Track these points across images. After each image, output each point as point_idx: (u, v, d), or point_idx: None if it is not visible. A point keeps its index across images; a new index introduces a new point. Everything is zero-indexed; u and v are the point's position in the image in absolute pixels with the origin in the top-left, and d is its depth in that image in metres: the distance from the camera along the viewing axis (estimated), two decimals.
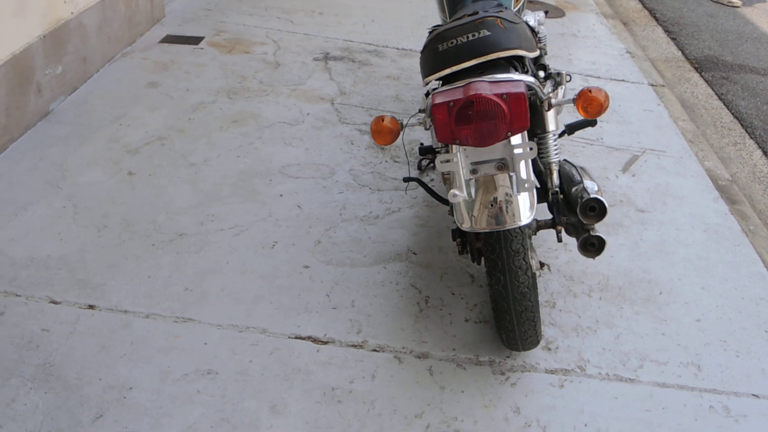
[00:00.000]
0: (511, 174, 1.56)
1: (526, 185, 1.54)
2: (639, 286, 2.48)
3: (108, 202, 2.61)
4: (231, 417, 1.84)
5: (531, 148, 1.52)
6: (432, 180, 2.93)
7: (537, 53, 1.90)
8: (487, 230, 1.62)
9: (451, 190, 1.58)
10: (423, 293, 2.32)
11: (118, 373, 1.94)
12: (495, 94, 1.48)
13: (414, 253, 2.49)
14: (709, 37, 5.28)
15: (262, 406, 1.87)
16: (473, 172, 1.60)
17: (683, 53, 4.97)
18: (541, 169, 2.05)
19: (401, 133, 1.83)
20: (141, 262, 2.34)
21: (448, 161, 1.57)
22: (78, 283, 2.24)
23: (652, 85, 4.22)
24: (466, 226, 1.64)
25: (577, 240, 1.95)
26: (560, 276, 2.48)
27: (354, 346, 2.09)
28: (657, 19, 5.60)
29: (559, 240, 2.02)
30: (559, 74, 2.01)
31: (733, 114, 4.12)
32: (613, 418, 1.95)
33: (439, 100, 1.54)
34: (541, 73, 2.05)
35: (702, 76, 4.60)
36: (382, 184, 2.89)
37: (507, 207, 1.60)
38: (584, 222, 1.87)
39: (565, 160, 2.13)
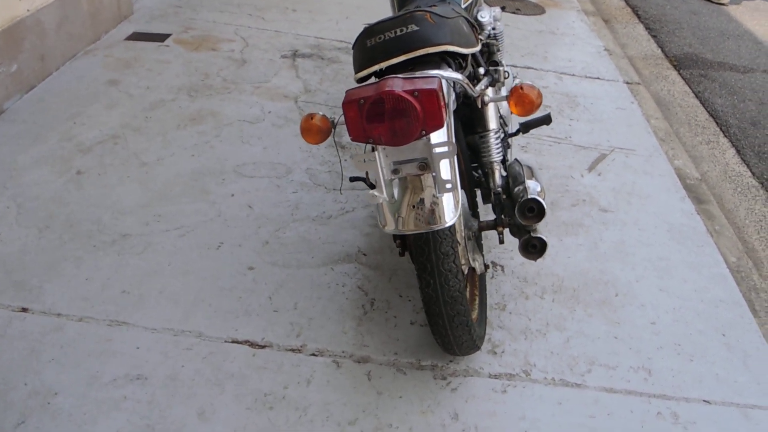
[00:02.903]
0: (433, 174, 1.50)
1: (447, 186, 1.47)
2: (595, 288, 2.42)
3: (53, 202, 2.55)
4: (156, 423, 1.78)
5: (450, 147, 1.46)
6: None
7: (475, 48, 1.84)
8: (412, 232, 1.56)
9: (371, 191, 1.51)
10: (369, 295, 2.26)
11: (45, 378, 1.88)
12: (406, 91, 1.42)
13: (364, 254, 2.43)
14: (691, 34, 5.21)
15: (189, 413, 1.81)
16: (395, 172, 1.54)
17: (663, 51, 4.90)
18: (484, 166, 1.99)
19: (332, 131, 1.77)
20: (80, 264, 2.27)
21: (365, 161, 1.51)
22: (14, 285, 2.18)
23: (627, 83, 4.16)
24: (389, 228, 1.58)
25: (519, 240, 1.89)
26: (513, 277, 2.42)
27: (292, 350, 2.03)
28: (639, 17, 5.54)
29: (501, 242, 1.96)
30: (497, 71, 1.95)
31: (708, 112, 4.05)
32: (555, 424, 1.89)
33: (350, 97, 1.48)
34: (481, 70, 1.99)
35: (680, 74, 4.54)
36: (338, 183, 2.82)
37: (433, 208, 1.54)
38: (523, 222, 1.81)
39: (516, 159, 2.07)
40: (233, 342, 2.03)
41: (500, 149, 1.94)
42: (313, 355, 2.02)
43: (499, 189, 1.94)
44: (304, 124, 1.74)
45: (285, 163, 2.91)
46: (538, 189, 1.87)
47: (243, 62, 3.81)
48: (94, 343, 1.99)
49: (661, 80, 4.44)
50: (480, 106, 1.79)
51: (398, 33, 1.66)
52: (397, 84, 1.44)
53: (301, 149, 3.03)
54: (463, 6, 2.30)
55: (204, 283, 2.23)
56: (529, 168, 2.01)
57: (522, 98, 1.66)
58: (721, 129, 3.87)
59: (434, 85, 1.42)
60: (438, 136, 1.49)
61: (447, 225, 1.53)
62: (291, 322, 2.12)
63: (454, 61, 1.81)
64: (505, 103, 2.26)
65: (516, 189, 1.90)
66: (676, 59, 4.75)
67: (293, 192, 2.73)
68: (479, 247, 2.03)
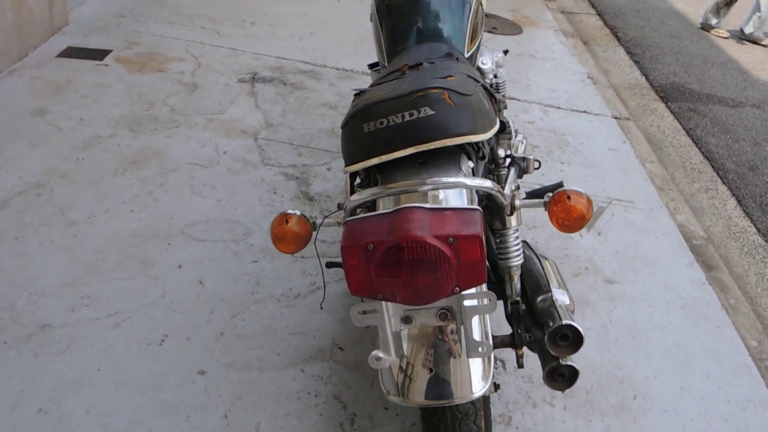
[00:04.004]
0: (459, 326, 1.10)
1: (480, 349, 1.09)
2: (610, 389, 2.07)
3: None
4: None
5: (489, 300, 1.07)
6: None
7: (496, 128, 1.45)
8: (426, 405, 1.16)
9: (373, 352, 1.11)
10: (348, 408, 1.85)
11: None
12: (437, 236, 1.01)
13: (340, 348, 2.02)
14: (674, 60, 4.95)
15: None
16: (406, 320, 1.14)
17: (647, 79, 4.62)
18: (500, 270, 1.60)
19: (313, 236, 1.35)
20: None
21: (366, 312, 1.10)
22: None
23: (616, 117, 3.84)
24: (394, 398, 1.18)
25: (543, 368, 1.51)
26: (517, 377, 2.05)
27: None
28: (619, 39, 5.26)
29: (520, 365, 1.57)
30: (524, 160, 1.56)
31: (703, 153, 3.77)
32: None
33: (351, 238, 1.06)
34: (501, 152, 1.61)
35: (668, 107, 4.26)
36: (307, 248, 2.40)
37: (453, 373, 1.14)
38: (553, 353, 1.43)
39: (529, 248, 1.69)
40: None
41: (520, 250, 1.55)
42: None
43: (518, 298, 1.56)
44: (276, 229, 1.32)
45: (243, 221, 2.47)
46: (567, 301, 1.50)
47: (194, 87, 3.33)
48: None
49: (649, 114, 4.15)
50: (509, 213, 1.40)
51: (407, 118, 1.26)
52: (422, 222, 1.03)
53: (261, 202, 2.59)
54: (467, 54, 1.91)
55: (143, 397, 1.78)
56: (548, 261, 1.64)
57: (570, 212, 1.28)
58: (718, 174, 3.59)
59: (476, 229, 1.02)
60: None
61: (475, 397, 1.14)
62: None
63: (474, 147, 1.41)
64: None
65: (539, 299, 1.52)
66: (662, 89, 4.47)
67: (253, 261, 2.29)
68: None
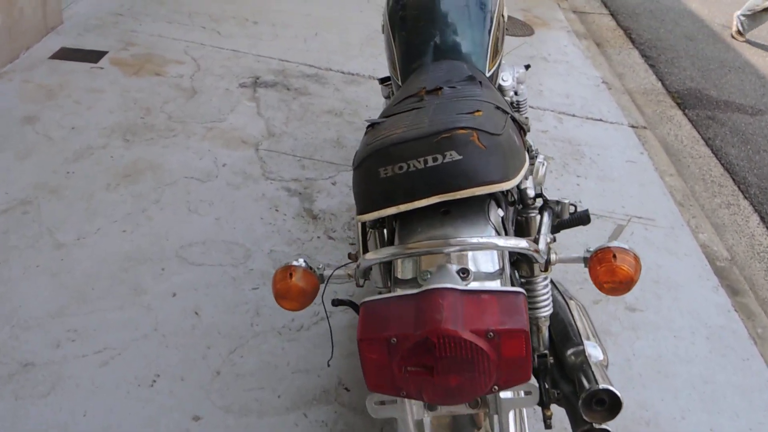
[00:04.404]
0: (492, 414, 0.95)
1: None
2: None
3: None
4: None
5: (530, 393, 0.92)
6: None
7: (527, 166, 1.30)
8: None
9: None
10: None
11: None
12: (474, 330, 0.86)
13: (346, 389, 1.88)
14: (690, 65, 4.78)
15: None
16: (430, 408, 0.99)
17: (663, 84, 4.46)
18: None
19: (321, 290, 1.21)
20: None
21: (385, 403, 0.95)
22: None
23: (632, 126, 3.68)
24: None
25: (574, 430, 1.37)
26: (536, 418, 1.90)
27: None
28: (633, 41, 5.08)
29: (548, 427, 1.42)
30: (559, 203, 1.41)
31: (723, 165, 3.61)
32: None
33: (370, 327, 0.90)
34: (530, 192, 1.46)
35: (685, 114, 4.09)
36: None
37: None
38: (587, 418, 1.28)
39: (555, 288, 1.54)
40: None
41: (549, 300, 1.40)
42: None
43: (546, 351, 1.41)
44: (279, 284, 1.17)
45: (243, 242, 2.32)
46: (600, 356, 1.35)
47: (193, 93, 3.17)
48: None
49: (666, 122, 3.99)
50: (544, 270, 1.25)
51: (431, 163, 1.10)
52: (455, 310, 0.87)
53: (262, 220, 2.44)
54: (488, 73, 1.75)
55: None
56: (577, 308, 1.49)
57: (615, 273, 1.13)
58: (739, 188, 3.43)
59: (522, 321, 0.86)
60: None
61: None
62: None
63: (503, 192, 1.26)
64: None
65: (569, 352, 1.37)
66: (679, 95, 4.31)
67: (253, 288, 2.15)
68: None
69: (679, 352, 2.23)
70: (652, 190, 3.11)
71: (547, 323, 1.42)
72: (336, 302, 1.59)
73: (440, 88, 1.44)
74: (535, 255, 1.14)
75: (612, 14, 5.57)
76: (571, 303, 1.51)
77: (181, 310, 2.02)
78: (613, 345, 2.21)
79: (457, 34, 1.73)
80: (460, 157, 1.10)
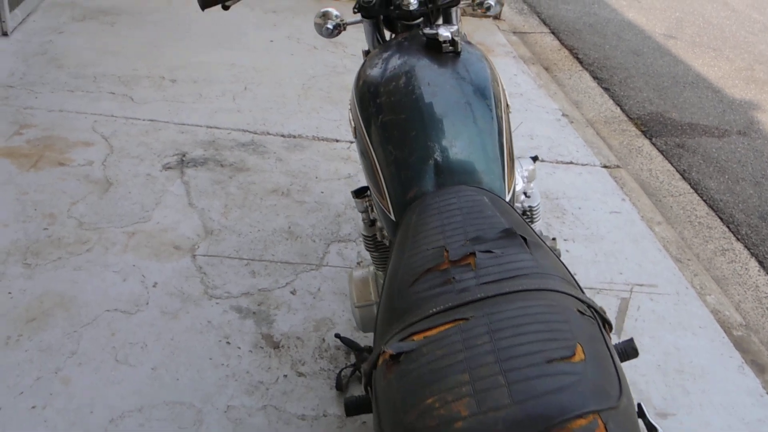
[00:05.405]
0: None
1: None
2: None
3: None
4: None
5: None
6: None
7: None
8: None
9: None
10: None
11: None
12: None
13: None
14: (644, 84, 4.54)
15: None
16: None
17: (623, 110, 4.18)
18: None
19: None
20: None
21: None
22: None
23: (606, 166, 3.37)
24: None
25: None
26: None
27: None
28: (581, 62, 4.81)
29: None
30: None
31: (706, 202, 3.34)
32: None
33: None
34: None
35: (653, 144, 3.82)
36: (284, 430, 1.79)
37: None
38: None
39: None
40: None
41: None
42: None
43: None
44: None
45: (190, 400, 1.83)
46: None
47: (107, 185, 2.64)
48: None
49: (636, 155, 3.70)
50: None
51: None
52: None
53: (212, 361, 1.95)
54: (507, 196, 1.34)
55: None
56: None
57: None
58: (729, 228, 3.16)
59: None
60: None
61: None
62: None
63: None
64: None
65: None
66: (641, 122, 4.04)
67: None
68: None
69: None
70: (645, 247, 2.78)
71: None
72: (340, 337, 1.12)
73: (473, 255, 1.02)
74: None
75: (553, 32, 5.30)
76: None
77: None
78: None
79: (463, 145, 1.31)
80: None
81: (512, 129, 1.49)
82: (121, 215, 2.48)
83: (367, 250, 1.69)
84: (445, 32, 1.41)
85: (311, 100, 3.53)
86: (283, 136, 3.17)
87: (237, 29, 4.25)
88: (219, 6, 1.57)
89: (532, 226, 1.72)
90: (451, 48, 1.43)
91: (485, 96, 1.39)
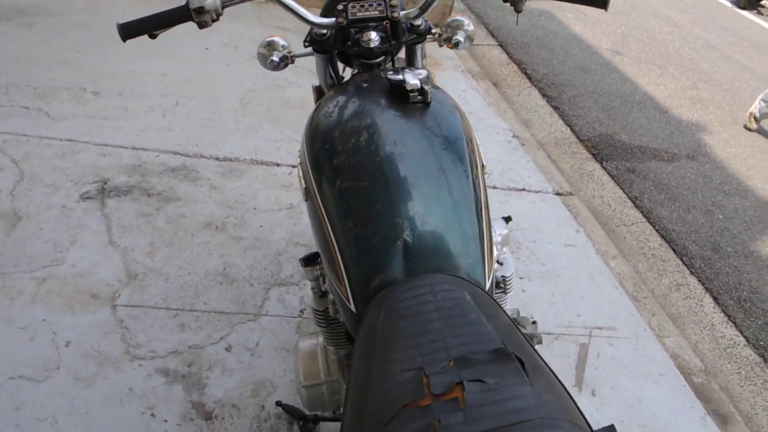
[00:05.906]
0: None
1: None
2: None
3: None
4: None
5: None
6: None
7: None
8: None
9: None
10: None
11: None
12: None
13: None
14: (593, 103, 4.47)
15: None
16: None
17: (572, 130, 4.09)
18: None
19: None
20: None
21: None
22: None
23: (558, 193, 3.25)
24: None
25: None
26: None
27: None
28: (530, 77, 4.71)
29: None
30: None
31: (658, 232, 3.27)
32: None
33: None
34: None
35: (604, 168, 3.74)
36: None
37: None
38: None
39: None
40: None
41: None
42: None
43: None
44: None
45: None
46: None
47: (16, 220, 2.34)
48: None
49: (587, 180, 3.60)
50: None
51: None
52: None
53: None
54: (487, 284, 1.14)
55: None
56: None
57: None
58: (682, 261, 3.09)
59: None
60: None
61: None
62: None
63: None
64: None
65: None
66: (592, 144, 3.96)
67: None
68: None
69: None
70: (602, 283, 2.67)
71: None
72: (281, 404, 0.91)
73: (460, 386, 0.82)
74: None
75: (501, 45, 5.19)
76: None
77: None
78: None
79: (437, 222, 1.10)
80: None
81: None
82: (30, 257, 2.18)
83: (318, 326, 1.47)
84: (413, 79, 1.21)
85: (250, 117, 3.28)
86: (218, 159, 2.91)
87: (170, 35, 3.94)
88: (145, 36, 1.33)
89: (505, 299, 1.54)
90: (419, 98, 1.22)
91: (461, 158, 1.18)
